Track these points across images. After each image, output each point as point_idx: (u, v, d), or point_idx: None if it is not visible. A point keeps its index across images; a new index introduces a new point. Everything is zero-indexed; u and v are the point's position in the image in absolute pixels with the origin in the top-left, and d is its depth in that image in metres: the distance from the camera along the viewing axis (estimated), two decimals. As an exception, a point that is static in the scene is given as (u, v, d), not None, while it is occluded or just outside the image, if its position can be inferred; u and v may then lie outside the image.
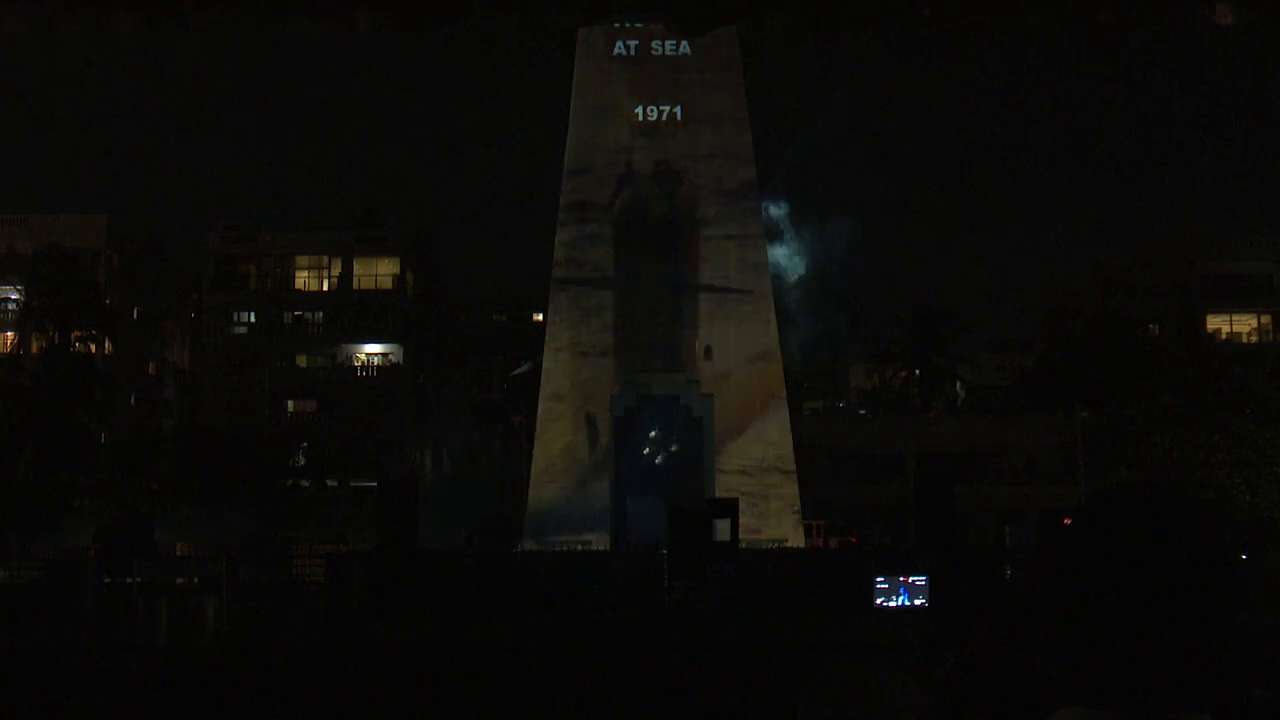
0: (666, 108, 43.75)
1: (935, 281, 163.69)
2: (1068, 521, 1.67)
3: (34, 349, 56.85)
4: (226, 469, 50.36)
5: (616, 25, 42.84)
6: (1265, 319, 72.28)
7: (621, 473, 40.22)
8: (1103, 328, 63.72)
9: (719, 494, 37.60)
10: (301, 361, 74.67)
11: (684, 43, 43.25)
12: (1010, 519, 39.22)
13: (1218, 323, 72.02)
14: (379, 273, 75.11)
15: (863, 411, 75.34)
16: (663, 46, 43.86)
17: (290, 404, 72.49)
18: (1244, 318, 72.39)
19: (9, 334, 61.87)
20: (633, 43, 43.80)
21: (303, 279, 75.44)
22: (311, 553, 43.88)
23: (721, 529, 31.47)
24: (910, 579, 27.33)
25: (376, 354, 74.96)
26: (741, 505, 33.85)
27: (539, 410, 42.76)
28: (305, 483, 59.30)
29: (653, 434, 40.22)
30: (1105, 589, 1.59)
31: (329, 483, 60.62)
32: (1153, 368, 51.92)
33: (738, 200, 43.40)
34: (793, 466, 42.29)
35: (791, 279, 59.02)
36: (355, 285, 74.87)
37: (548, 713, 15.41)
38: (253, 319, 74.34)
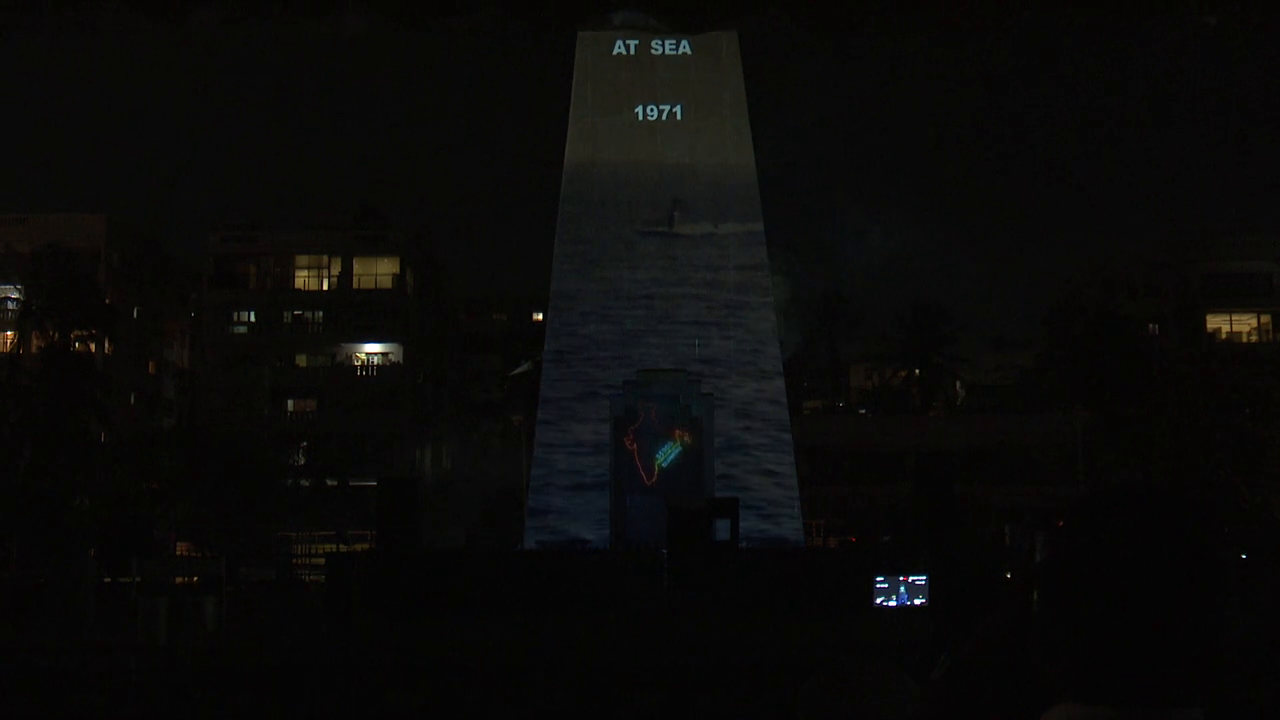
0: (666, 107, 43.77)
1: (935, 280, 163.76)
2: (1060, 523, 1.69)
3: (34, 348, 56.80)
4: (226, 468, 50.35)
5: (617, 24, 42.83)
6: (1265, 319, 72.29)
7: (621, 472, 40.23)
8: (1103, 327, 63.71)
9: (719, 494, 37.60)
10: (301, 361, 74.68)
11: (684, 42, 43.25)
12: (1010, 519, 39.18)
13: (1218, 322, 72.03)
14: (379, 272, 75.12)
15: (863, 411, 75.39)
16: (663, 46, 43.88)
17: (290, 403, 72.51)
18: (1244, 317, 72.41)
19: (9, 333, 61.84)
20: (633, 42, 43.82)
21: (302, 278, 75.44)
22: (311, 552, 43.95)
23: (721, 529, 31.48)
24: (910, 579, 27.34)
25: (376, 353, 74.98)
26: (741, 505, 33.86)
27: (538, 409, 42.77)
28: (305, 482, 59.33)
29: (660, 431, 40.28)
30: (1099, 587, 1.60)
31: (329, 482, 60.65)
32: (1153, 367, 51.91)
33: (738, 199, 43.42)
34: (793, 466, 42.30)
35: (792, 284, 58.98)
36: (355, 284, 74.88)
37: (548, 713, 15.40)
38: (252, 318, 74.34)
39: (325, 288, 75.47)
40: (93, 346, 59.73)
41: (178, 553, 44.58)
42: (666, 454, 40.63)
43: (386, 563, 31.14)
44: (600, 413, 41.15)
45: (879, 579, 27.46)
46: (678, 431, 40.73)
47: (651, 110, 43.76)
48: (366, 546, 35.80)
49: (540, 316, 59.99)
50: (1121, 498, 1.66)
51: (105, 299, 61.10)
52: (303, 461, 63.90)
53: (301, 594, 34.56)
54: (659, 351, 42.00)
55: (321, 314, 74.94)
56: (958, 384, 76.89)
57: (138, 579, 27.11)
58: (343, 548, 38.58)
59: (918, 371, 74.22)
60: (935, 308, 74.47)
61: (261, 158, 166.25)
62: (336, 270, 75.26)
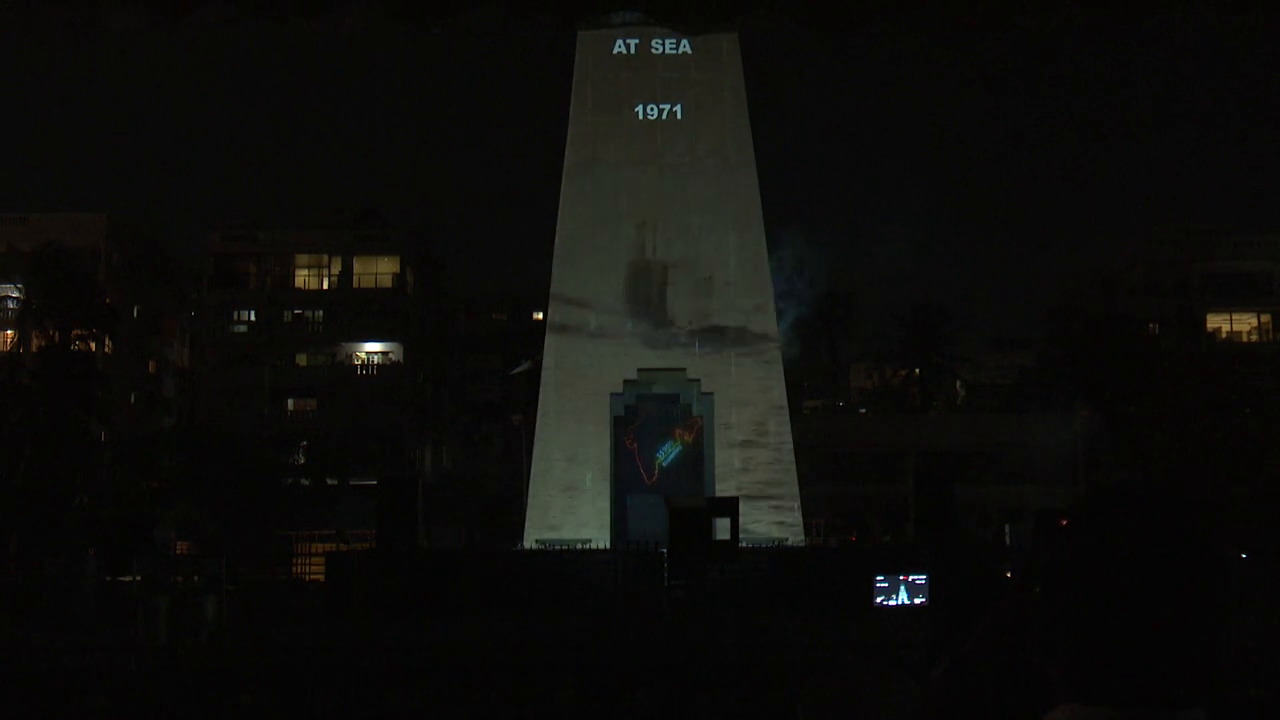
0: (666, 107, 43.74)
1: (935, 280, 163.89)
2: (1064, 522, 1.69)
3: (34, 348, 56.79)
4: (226, 468, 50.35)
5: (617, 24, 42.84)
6: (1265, 318, 72.31)
7: (621, 472, 40.22)
8: (1103, 327, 63.74)
9: (719, 493, 37.58)
10: (301, 360, 74.66)
11: (684, 42, 43.21)
12: (1010, 519, 39.23)
13: (1218, 322, 72.04)
14: (379, 271, 75.11)
15: (863, 411, 75.39)
16: (663, 46, 43.85)
17: (290, 402, 72.51)
18: (1244, 317, 72.42)
19: (9, 333, 61.84)
20: (633, 42, 43.79)
21: (302, 277, 75.43)
22: (311, 552, 43.96)
23: (721, 529, 31.46)
24: (910, 578, 27.35)
25: (376, 352, 74.98)
26: (741, 504, 33.85)
27: (538, 409, 42.75)
28: (305, 481, 59.33)
29: (660, 430, 40.31)
30: (1101, 587, 1.60)
31: (329, 481, 60.64)
32: (1153, 367, 51.92)
33: (738, 199, 43.39)
34: (793, 466, 42.29)
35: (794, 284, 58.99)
36: (355, 284, 74.86)
37: (548, 713, 15.41)
38: (252, 317, 74.33)
39: (325, 287, 75.46)
40: (93, 346, 59.72)
41: (178, 553, 44.54)
42: (666, 453, 40.66)
43: (386, 563, 31.14)
44: (600, 412, 41.14)
45: (879, 579, 27.48)
46: (678, 431, 40.76)
47: (651, 110, 43.73)
48: (366, 546, 35.77)
49: (540, 316, 59.95)
50: (1121, 498, 1.66)
51: (105, 298, 61.08)
52: (303, 461, 63.90)
53: (301, 594, 34.57)
54: (659, 351, 41.99)
55: (321, 313, 74.93)
56: (958, 384, 76.90)
57: (138, 579, 27.08)
58: (343, 548, 38.53)
59: (918, 371, 74.25)
60: (935, 307, 74.51)
61: (261, 157, 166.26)
62: (336, 270, 75.25)
